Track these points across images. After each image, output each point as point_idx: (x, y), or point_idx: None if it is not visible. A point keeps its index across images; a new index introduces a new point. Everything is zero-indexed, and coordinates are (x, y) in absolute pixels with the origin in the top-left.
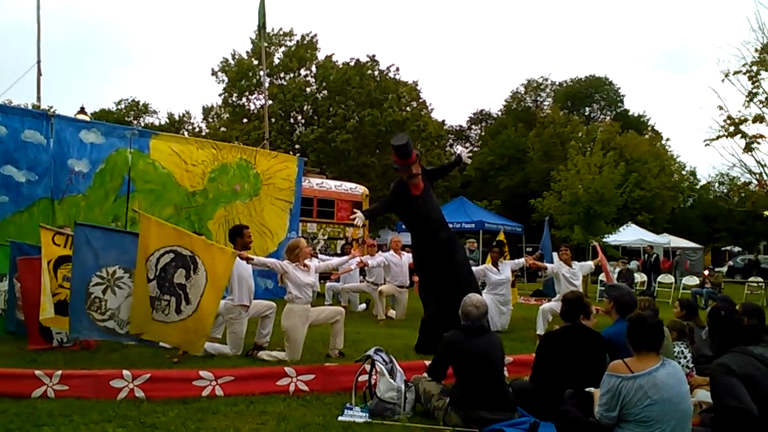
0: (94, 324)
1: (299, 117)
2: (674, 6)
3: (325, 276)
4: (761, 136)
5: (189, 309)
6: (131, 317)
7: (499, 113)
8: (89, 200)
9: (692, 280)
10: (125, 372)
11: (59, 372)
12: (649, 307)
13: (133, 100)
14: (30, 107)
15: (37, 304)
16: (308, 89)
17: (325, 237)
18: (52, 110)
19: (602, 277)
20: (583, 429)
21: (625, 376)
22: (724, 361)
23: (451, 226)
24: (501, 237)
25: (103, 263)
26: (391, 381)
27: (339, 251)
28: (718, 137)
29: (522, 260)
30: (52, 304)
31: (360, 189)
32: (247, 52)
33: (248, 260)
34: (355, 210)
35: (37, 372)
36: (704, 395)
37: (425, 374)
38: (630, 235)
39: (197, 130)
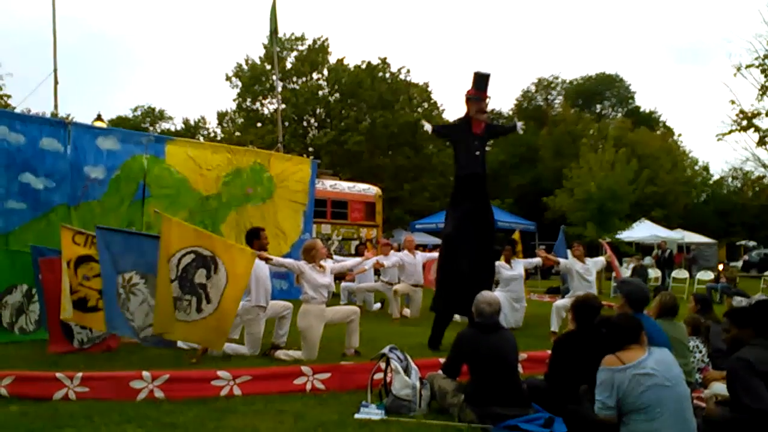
0: (127, 322)
1: (312, 120)
2: (684, 1)
3: (340, 276)
4: None
5: (210, 308)
6: (155, 316)
7: (510, 112)
8: (104, 206)
9: (707, 275)
10: (145, 373)
11: (80, 374)
12: (671, 303)
13: (149, 107)
14: (49, 116)
15: (59, 305)
16: (320, 92)
17: (340, 238)
18: (70, 118)
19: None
20: (593, 425)
21: (616, 368)
22: (746, 356)
23: None
24: (516, 236)
25: (121, 269)
26: (407, 378)
27: (353, 252)
28: (731, 131)
29: (536, 260)
30: (71, 303)
31: (373, 190)
32: (260, 57)
33: (267, 260)
34: (423, 122)
35: (58, 374)
36: (720, 388)
37: (440, 371)
38: (644, 231)
39: (212, 135)
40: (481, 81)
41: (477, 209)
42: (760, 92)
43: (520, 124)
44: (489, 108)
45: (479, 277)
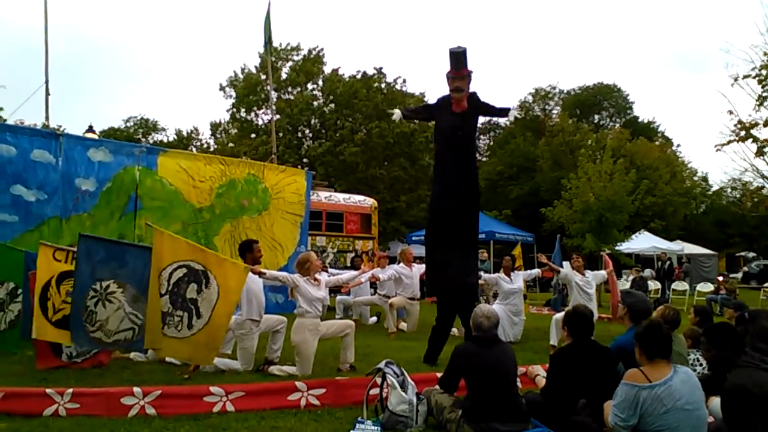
0: (87, 335)
1: (307, 131)
2: (681, 11)
3: (335, 289)
4: None
5: (200, 323)
6: (146, 331)
7: (508, 123)
8: (95, 219)
9: (706, 287)
10: (136, 389)
11: (70, 390)
12: (672, 315)
13: (141, 118)
14: (40, 127)
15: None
16: (315, 103)
17: (335, 250)
18: (61, 129)
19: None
20: None
21: (642, 386)
22: (742, 382)
23: None
24: (517, 250)
25: (99, 277)
26: (403, 394)
27: (349, 264)
28: (729, 142)
29: (536, 270)
30: (42, 322)
31: (369, 201)
32: (255, 67)
33: (261, 274)
34: (391, 111)
35: (48, 390)
36: (719, 403)
37: (437, 386)
38: (643, 242)
39: (205, 146)
40: (455, 59)
41: (450, 189)
42: (757, 103)
43: (514, 111)
44: (487, 119)
45: (464, 255)
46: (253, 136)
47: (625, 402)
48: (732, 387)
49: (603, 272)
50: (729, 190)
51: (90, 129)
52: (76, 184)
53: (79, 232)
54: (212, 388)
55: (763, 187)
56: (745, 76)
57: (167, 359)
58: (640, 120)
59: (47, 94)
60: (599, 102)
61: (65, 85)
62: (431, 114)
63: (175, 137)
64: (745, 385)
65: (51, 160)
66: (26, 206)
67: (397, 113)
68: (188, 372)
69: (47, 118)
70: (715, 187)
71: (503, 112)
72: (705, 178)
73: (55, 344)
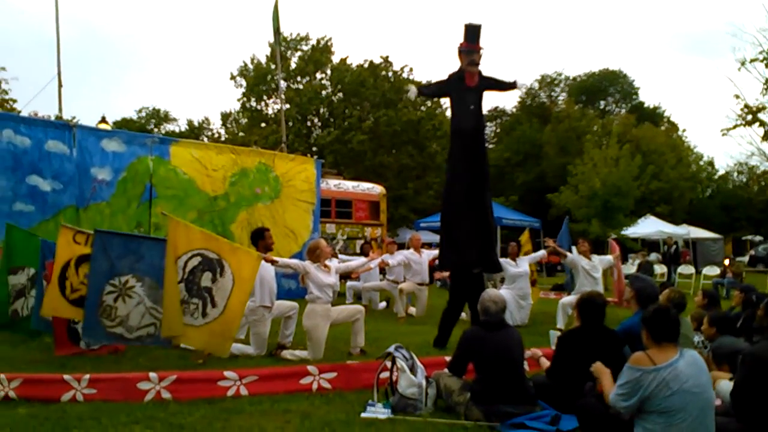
0: (104, 330)
1: (316, 119)
2: None
3: (345, 275)
4: None
5: (215, 312)
6: (163, 320)
7: (514, 109)
8: (113, 207)
9: (713, 270)
10: (152, 374)
11: (87, 376)
12: (678, 299)
13: (153, 109)
14: (53, 118)
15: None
16: (324, 92)
17: (344, 237)
18: (74, 120)
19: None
20: (605, 420)
21: (646, 369)
22: (757, 351)
23: None
24: (525, 236)
25: (117, 272)
26: (412, 377)
27: (358, 251)
28: (736, 126)
29: (542, 252)
30: (59, 301)
31: (377, 189)
32: (266, 56)
33: (273, 262)
34: (408, 87)
35: (65, 376)
36: (725, 385)
37: (446, 370)
38: (649, 226)
39: (216, 136)
40: (471, 32)
41: (469, 168)
42: (765, 86)
43: (521, 83)
44: (494, 106)
45: (481, 229)
46: (263, 125)
47: (627, 384)
48: (753, 352)
49: (609, 257)
50: (735, 174)
51: (103, 120)
52: (92, 174)
53: (95, 227)
54: (226, 373)
55: None
56: (753, 60)
57: (182, 345)
58: (645, 105)
59: (60, 85)
60: (605, 88)
61: (78, 77)
62: (445, 89)
63: (187, 127)
64: (764, 356)
65: (65, 151)
66: (42, 196)
67: (412, 90)
68: (203, 357)
69: (60, 109)
70: (721, 172)
71: (512, 85)
72: (711, 163)
73: (72, 331)
